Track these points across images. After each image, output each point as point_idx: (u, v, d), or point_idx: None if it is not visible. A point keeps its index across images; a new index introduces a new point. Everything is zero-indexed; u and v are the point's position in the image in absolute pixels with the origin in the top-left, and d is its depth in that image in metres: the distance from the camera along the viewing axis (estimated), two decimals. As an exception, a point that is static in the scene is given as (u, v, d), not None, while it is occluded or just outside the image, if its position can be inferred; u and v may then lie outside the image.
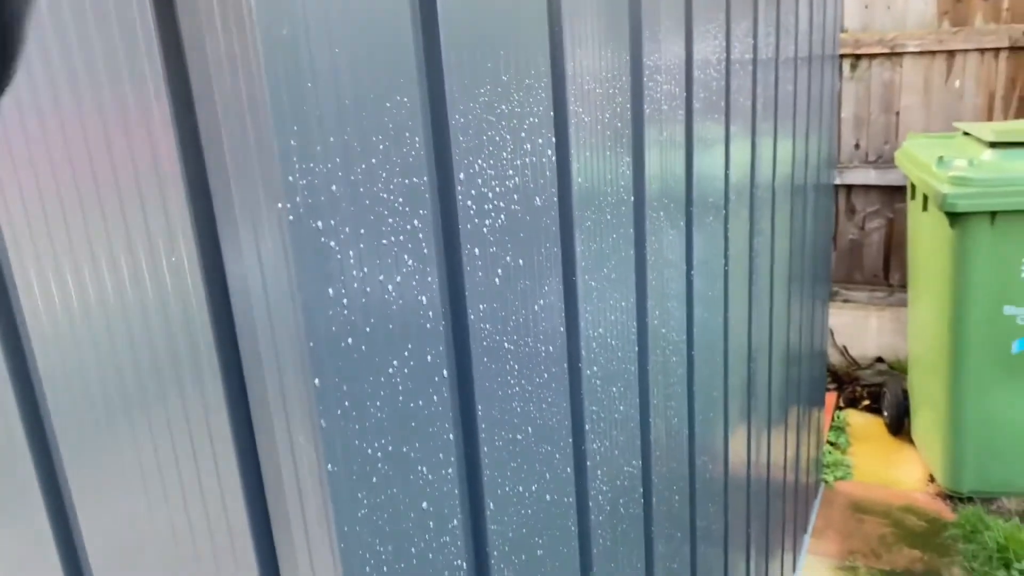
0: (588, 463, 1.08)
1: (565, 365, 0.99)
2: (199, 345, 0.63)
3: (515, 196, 0.83)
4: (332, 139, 0.59)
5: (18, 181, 0.68)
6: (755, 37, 1.83)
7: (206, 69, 0.57)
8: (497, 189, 0.80)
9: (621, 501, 1.23)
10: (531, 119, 0.86)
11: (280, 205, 0.56)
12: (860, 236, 4.55)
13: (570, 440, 1.01)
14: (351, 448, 0.63)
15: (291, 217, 0.56)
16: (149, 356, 0.67)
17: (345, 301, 0.62)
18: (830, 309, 4.55)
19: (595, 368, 1.07)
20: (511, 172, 0.82)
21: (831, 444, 3.89)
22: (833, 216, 4.31)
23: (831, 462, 3.73)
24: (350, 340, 0.62)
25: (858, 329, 4.57)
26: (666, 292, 1.35)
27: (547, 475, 0.96)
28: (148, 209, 0.62)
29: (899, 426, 3.97)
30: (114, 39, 0.59)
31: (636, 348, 1.23)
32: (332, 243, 0.60)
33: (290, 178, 0.56)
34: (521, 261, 0.86)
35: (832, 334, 4.60)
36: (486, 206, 0.78)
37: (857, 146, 4.45)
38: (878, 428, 4.07)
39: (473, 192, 0.76)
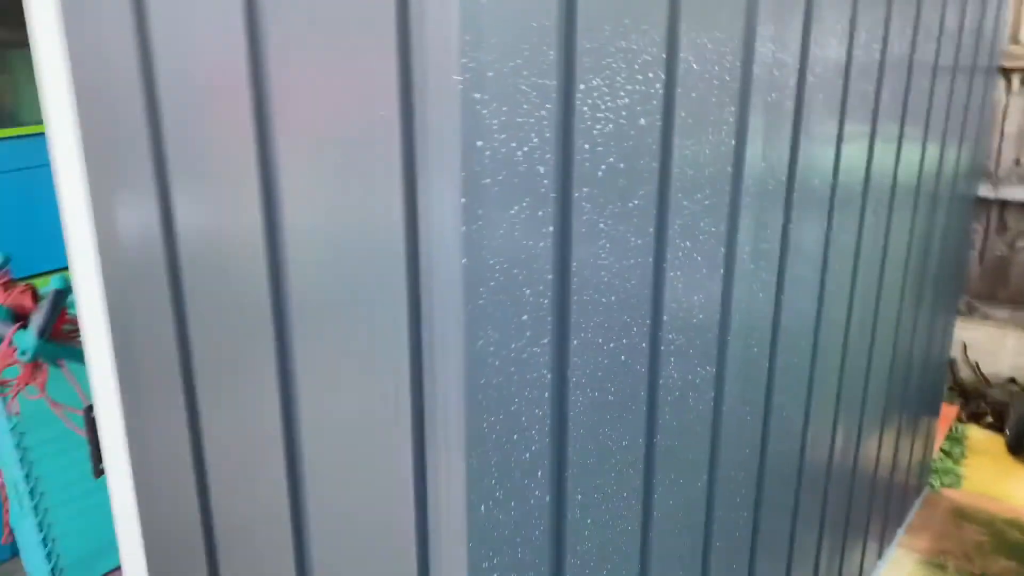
0: (662, 347, 1.33)
1: (651, 259, 1.25)
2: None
3: (623, 112, 1.10)
4: (493, 40, 0.88)
5: (291, 118, 1.01)
6: (886, 35, 1.97)
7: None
8: (609, 103, 1.07)
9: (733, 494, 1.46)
10: (645, 56, 1.12)
11: (455, 77, 0.85)
12: (1008, 254, 4.45)
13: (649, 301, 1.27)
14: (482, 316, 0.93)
15: (460, 87, 0.86)
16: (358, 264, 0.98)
17: (487, 153, 0.91)
18: (966, 324, 4.48)
19: (674, 308, 1.32)
20: (622, 94, 1.09)
21: (944, 452, 3.89)
22: (973, 229, 4.25)
23: (941, 469, 3.73)
24: (487, 180, 0.91)
25: (994, 347, 4.48)
26: (753, 273, 1.56)
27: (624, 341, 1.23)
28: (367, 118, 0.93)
29: (1020, 446, 3.90)
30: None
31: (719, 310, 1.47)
32: (484, 111, 0.89)
33: (463, 60, 0.85)
34: (622, 165, 1.12)
35: (965, 348, 4.53)
36: (597, 114, 1.05)
37: (1018, 162, 4.35)
38: (998, 445, 4.02)
39: (589, 101, 1.03)
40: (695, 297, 1.40)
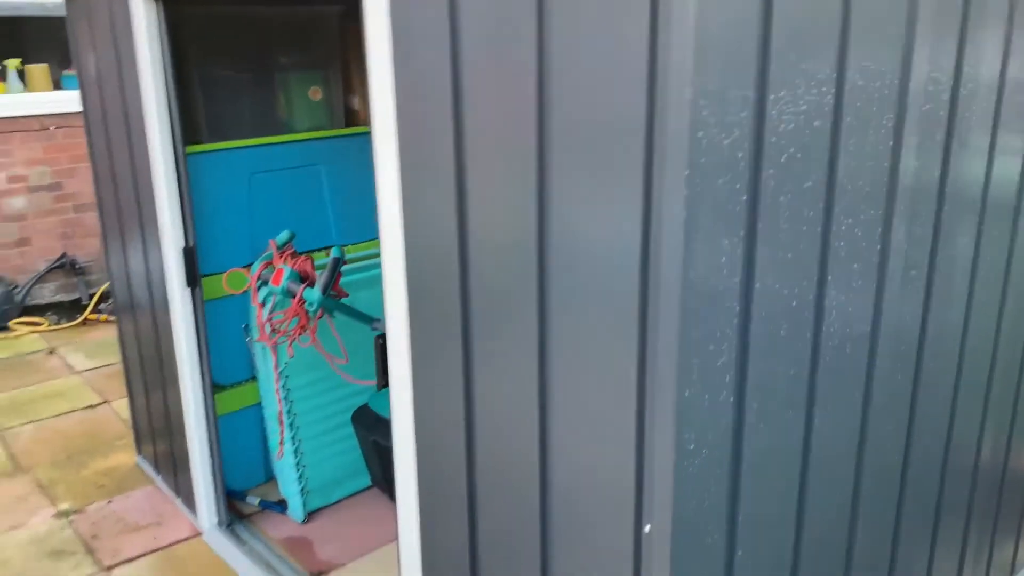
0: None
1: (819, 229, 1.63)
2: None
3: (802, 116, 1.50)
4: (713, 64, 1.32)
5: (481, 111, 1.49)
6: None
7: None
8: (791, 109, 1.48)
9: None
10: (820, 75, 1.52)
11: (687, 89, 1.30)
12: None
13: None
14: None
15: (690, 96, 1.30)
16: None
17: (704, 141, 1.34)
18: None
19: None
20: (802, 103, 1.50)
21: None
22: None
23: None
24: (703, 160, 1.35)
25: None
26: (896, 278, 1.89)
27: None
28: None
29: None
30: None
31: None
32: (704, 112, 1.33)
33: (694, 77, 1.30)
34: (799, 155, 1.53)
35: None
36: (783, 116, 1.46)
37: None
38: None
39: (776, 107, 1.44)
40: (854, 265, 1.77)
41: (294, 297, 2.83)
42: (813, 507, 1.89)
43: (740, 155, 1.42)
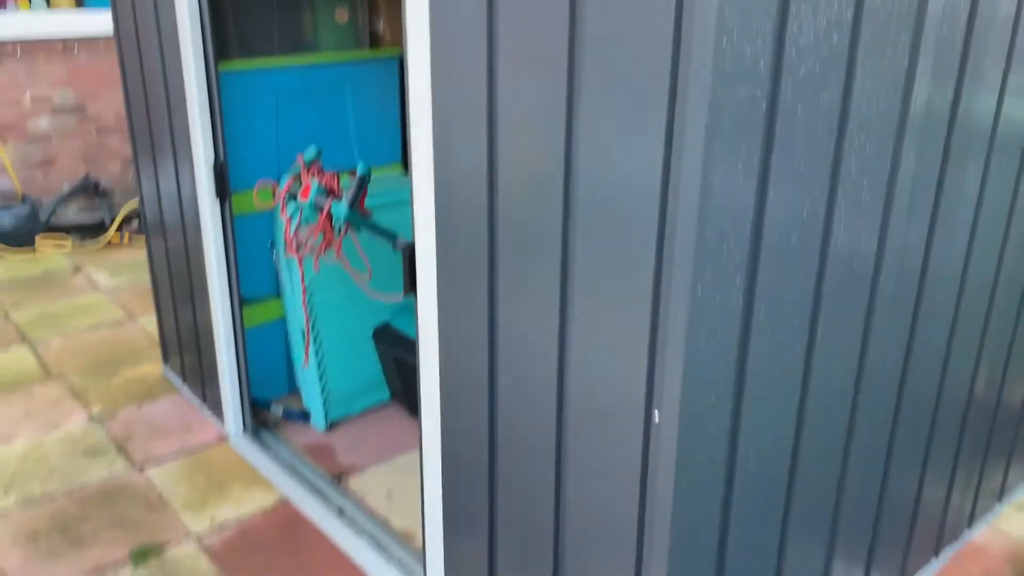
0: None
1: (832, 142, 1.72)
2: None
3: (821, 30, 1.57)
4: (739, -25, 1.39)
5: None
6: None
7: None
8: (811, 22, 1.55)
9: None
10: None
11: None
12: None
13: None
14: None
15: (716, 3, 1.38)
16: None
17: (728, 48, 1.42)
18: None
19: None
20: (822, 17, 1.56)
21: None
22: None
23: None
24: (727, 66, 1.43)
25: None
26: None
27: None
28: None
29: None
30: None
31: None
32: (728, 20, 1.40)
33: (720, -14, 1.37)
34: (817, 67, 1.60)
35: None
36: (803, 29, 1.53)
37: None
38: None
39: (797, 20, 1.52)
40: (864, 182, 1.85)
41: (321, 211, 2.93)
42: (813, 414, 2.01)
43: (761, 65, 1.50)
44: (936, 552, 2.88)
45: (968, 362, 2.64)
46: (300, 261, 3.24)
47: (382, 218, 3.06)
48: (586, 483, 1.92)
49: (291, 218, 3.10)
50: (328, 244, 3.11)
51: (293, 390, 3.85)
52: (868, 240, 1.96)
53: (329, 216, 2.92)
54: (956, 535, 2.97)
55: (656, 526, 1.77)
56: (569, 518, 2.01)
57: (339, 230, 3.01)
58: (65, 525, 3.01)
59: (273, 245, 3.59)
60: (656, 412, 1.69)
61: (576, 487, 1.95)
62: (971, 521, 3.02)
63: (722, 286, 1.61)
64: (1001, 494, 3.17)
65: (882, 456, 2.39)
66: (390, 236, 2.99)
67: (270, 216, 3.55)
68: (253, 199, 3.33)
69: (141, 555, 2.84)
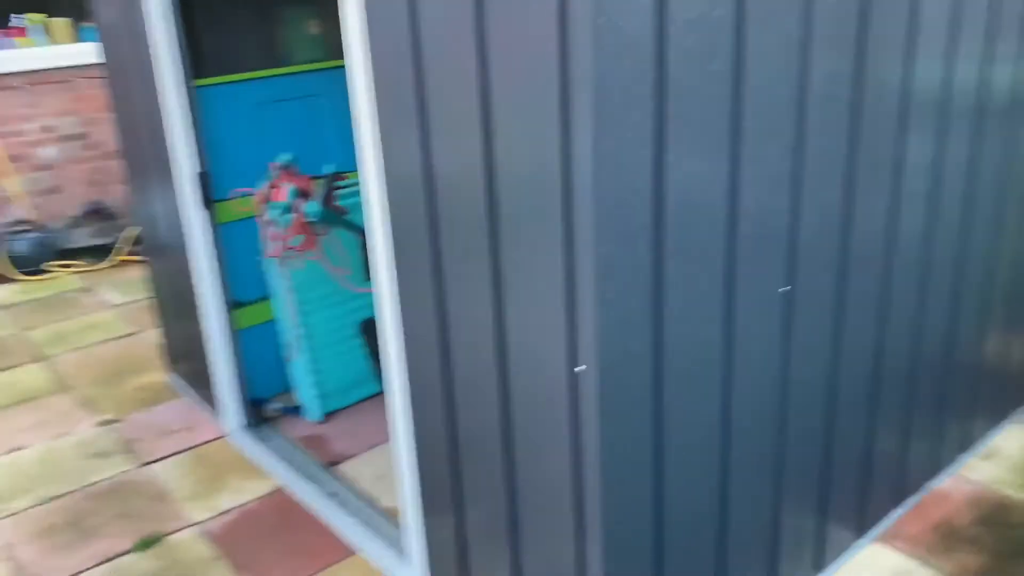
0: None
1: (728, 108, 1.87)
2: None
3: (703, 4, 1.73)
4: (609, -39, 1.55)
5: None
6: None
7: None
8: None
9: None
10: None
11: (586, -18, 1.54)
12: None
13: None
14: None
15: (589, -12, 1.54)
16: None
17: (607, 29, 1.58)
18: None
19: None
20: (700, -5, 1.72)
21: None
22: None
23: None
24: (608, 40, 1.59)
25: None
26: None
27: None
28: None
29: None
30: None
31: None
32: None
33: (590, -28, 1.54)
34: (704, 40, 1.76)
35: None
36: (685, 3, 1.69)
37: None
38: None
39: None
40: (771, 142, 2.00)
41: (296, 212, 3.12)
42: (743, 362, 2.15)
43: (644, 40, 1.66)
44: (897, 502, 3.00)
45: (913, 314, 2.76)
46: (282, 262, 3.43)
47: (360, 217, 3.25)
48: (532, 450, 2.08)
49: (270, 221, 3.30)
50: (309, 244, 3.31)
51: (289, 388, 4.03)
52: (780, 198, 2.11)
53: (303, 215, 3.11)
54: (918, 485, 3.08)
55: (589, 472, 1.93)
56: (521, 487, 2.17)
57: (315, 228, 3.20)
58: (76, 520, 3.21)
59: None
60: (581, 365, 1.85)
61: (524, 456, 2.11)
62: (934, 471, 3.14)
63: (627, 244, 1.77)
64: (964, 444, 3.28)
65: (822, 406, 2.52)
66: (359, 230, 3.18)
67: (255, 221, 3.75)
68: (244, 201, 3.52)
69: (146, 543, 3.04)
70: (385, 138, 2.20)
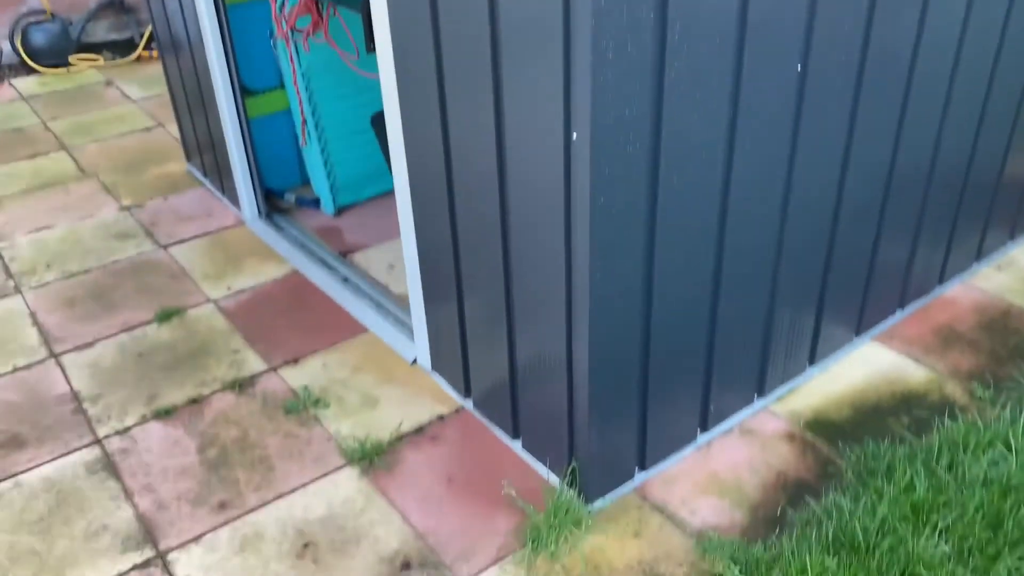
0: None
1: None
2: None
3: None
4: None
5: None
6: None
7: None
8: None
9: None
10: None
11: None
12: None
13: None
14: None
15: None
16: None
17: None
18: None
19: None
20: None
21: None
22: None
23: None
24: None
25: None
26: None
27: None
28: None
29: None
30: None
31: None
32: None
33: None
34: None
35: None
36: None
37: None
38: None
39: None
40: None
41: (302, -12, 2.99)
42: (744, 149, 2.09)
43: None
44: (901, 305, 3.00)
45: (930, 122, 2.64)
46: (289, 43, 3.34)
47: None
48: (525, 231, 2.08)
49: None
50: (316, 25, 3.20)
51: (306, 181, 4.05)
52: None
53: (310, -9, 2.99)
54: (925, 290, 3.07)
55: (578, 258, 1.93)
56: (515, 274, 2.18)
57: (323, 8, 3.08)
58: (98, 293, 3.34)
59: (272, 33, 3.68)
60: (574, 133, 1.80)
61: (518, 239, 2.12)
62: (942, 278, 3.12)
63: (627, -1, 1.67)
64: (979, 254, 3.23)
65: (829, 210, 2.46)
66: (366, 9, 3.05)
67: (266, 5, 3.62)
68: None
69: (165, 315, 3.17)
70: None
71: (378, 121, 3.69)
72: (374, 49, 2.43)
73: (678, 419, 2.42)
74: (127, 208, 4.00)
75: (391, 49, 2.30)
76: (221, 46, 3.43)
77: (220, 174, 3.96)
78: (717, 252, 2.20)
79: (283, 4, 3.15)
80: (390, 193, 3.95)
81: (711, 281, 2.24)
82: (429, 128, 2.28)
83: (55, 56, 5.98)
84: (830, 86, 2.22)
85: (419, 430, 2.62)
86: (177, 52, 3.89)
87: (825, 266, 2.56)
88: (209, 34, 3.40)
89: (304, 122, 3.59)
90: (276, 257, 3.55)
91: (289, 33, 3.19)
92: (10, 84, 5.79)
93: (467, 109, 2.10)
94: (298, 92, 3.50)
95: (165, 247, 3.65)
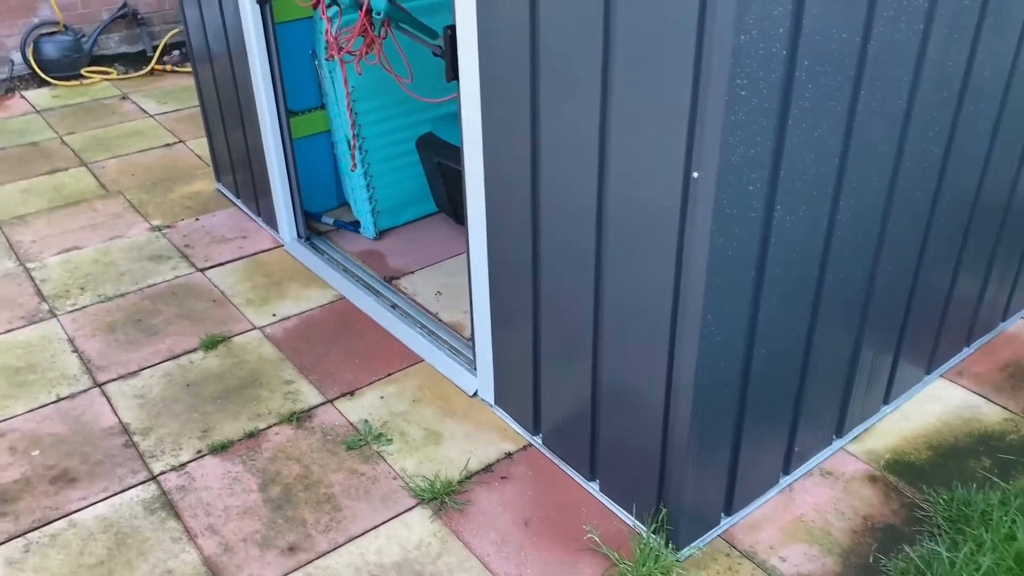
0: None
1: None
2: None
3: None
4: None
5: None
6: None
7: None
8: None
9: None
10: None
11: None
12: None
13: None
14: None
15: None
16: None
17: None
18: None
19: None
20: None
21: None
22: None
23: None
24: None
25: None
26: None
27: None
28: None
29: None
30: None
31: None
32: None
33: None
34: None
35: None
36: None
37: None
38: None
39: None
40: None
41: (361, 8, 2.91)
42: (850, 193, 2.03)
43: None
44: (968, 341, 2.96)
45: (1011, 160, 2.61)
46: (342, 65, 3.26)
47: (429, 18, 3.04)
48: (623, 263, 2.00)
49: (331, 19, 3.09)
50: (369, 46, 3.11)
51: (342, 203, 3.96)
52: (915, 24, 1.91)
53: (368, 12, 2.91)
54: (990, 326, 3.04)
55: (690, 296, 1.86)
56: (607, 305, 2.11)
57: (379, 28, 3.00)
58: (138, 318, 3.23)
59: (314, 54, 3.60)
60: (695, 173, 1.74)
61: (614, 271, 2.04)
62: (1006, 314, 3.08)
63: (765, 37, 1.61)
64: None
65: (917, 246, 2.42)
66: (430, 33, 2.98)
67: (309, 24, 3.54)
68: (290, 5, 3.31)
69: (211, 343, 3.06)
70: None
71: (424, 144, 3.62)
72: (455, 78, 2.35)
73: (764, 461, 2.35)
74: (158, 228, 3.88)
75: (477, 76, 2.22)
76: (268, 65, 3.35)
77: (256, 194, 3.85)
78: (816, 291, 2.14)
79: (337, 24, 3.06)
80: (428, 216, 3.89)
81: (808, 320, 2.17)
82: (515, 154, 2.20)
83: (67, 68, 5.86)
84: (931, 122, 2.17)
85: (487, 468, 2.53)
86: (214, 67, 3.79)
87: (908, 303, 2.52)
88: (256, 52, 3.31)
89: (354, 146, 3.51)
90: (319, 281, 3.45)
91: (341, 55, 3.11)
92: (22, 96, 5.65)
93: (565, 138, 2.03)
94: (350, 115, 3.42)
95: (202, 270, 3.53)
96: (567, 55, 1.91)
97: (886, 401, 2.70)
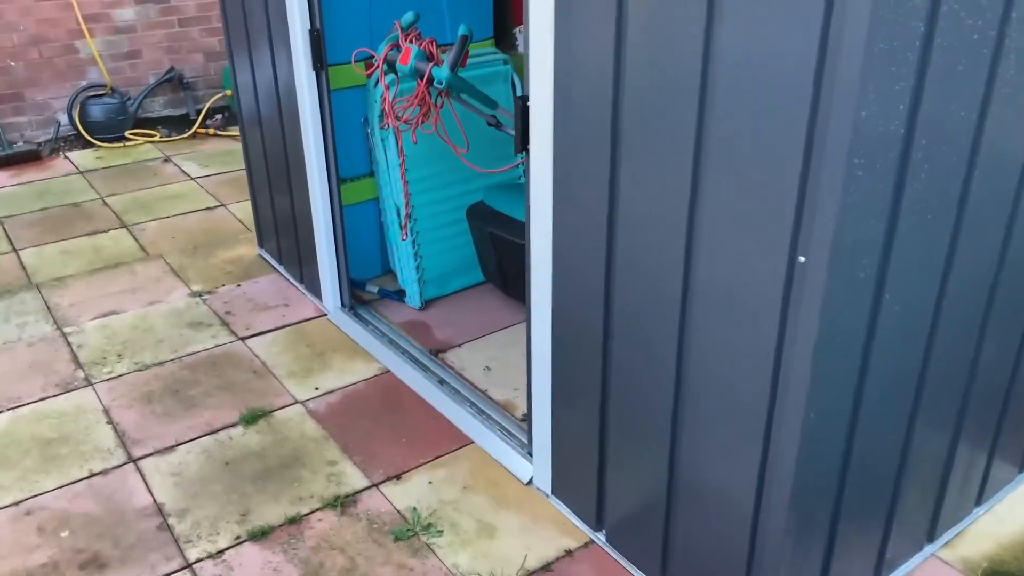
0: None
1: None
2: None
3: None
4: None
5: None
6: None
7: None
8: None
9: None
10: None
11: None
12: None
13: None
14: None
15: None
16: None
17: None
18: None
19: None
20: None
21: None
22: None
23: None
24: None
25: None
26: None
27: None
28: None
29: None
30: None
31: None
32: None
33: None
34: None
35: None
36: None
37: None
38: None
39: None
40: None
41: (422, 77, 2.84)
42: (955, 286, 1.88)
43: None
44: (1060, 435, 2.75)
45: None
46: (398, 133, 3.19)
47: (490, 89, 2.97)
48: (711, 347, 1.85)
49: (389, 86, 3.02)
50: (426, 114, 3.04)
51: (386, 271, 3.85)
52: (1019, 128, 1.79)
53: (429, 82, 2.84)
54: (1081, 420, 2.83)
55: (791, 388, 1.70)
56: (690, 392, 1.94)
57: (438, 97, 2.92)
58: (176, 389, 3.10)
59: (366, 121, 3.54)
60: (802, 257, 1.59)
61: (700, 354, 1.88)
62: (1098, 407, 2.88)
63: (885, 112, 1.49)
64: None
65: (1018, 335, 2.25)
66: (489, 103, 2.90)
67: (362, 92, 3.49)
68: (350, 69, 3.26)
69: (251, 418, 2.92)
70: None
71: (475, 213, 3.51)
72: (524, 150, 2.25)
73: (854, 569, 2.15)
74: (198, 294, 3.78)
75: (551, 149, 2.11)
76: (320, 131, 3.28)
77: (300, 261, 3.76)
78: (919, 382, 1.97)
79: (394, 93, 2.99)
80: (474, 287, 3.76)
81: (909, 412, 2.00)
82: (589, 230, 2.07)
83: (112, 130, 5.88)
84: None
85: (547, 567, 2.33)
86: (263, 131, 3.74)
87: (1006, 396, 2.33)
88: (309, 118, 3.25)
89: (407, 215, 3.41)
90: (363, 353, 3.31)
91: (398, 124, 3.03)
92: (65, 157, 5.66)
93: (648, 215, 1.90)
94: (404, 184, 3.33)
95: (243, 339, 3.41)
96: (654, 128, 1.80)
97: (978, 502, 2.49)
